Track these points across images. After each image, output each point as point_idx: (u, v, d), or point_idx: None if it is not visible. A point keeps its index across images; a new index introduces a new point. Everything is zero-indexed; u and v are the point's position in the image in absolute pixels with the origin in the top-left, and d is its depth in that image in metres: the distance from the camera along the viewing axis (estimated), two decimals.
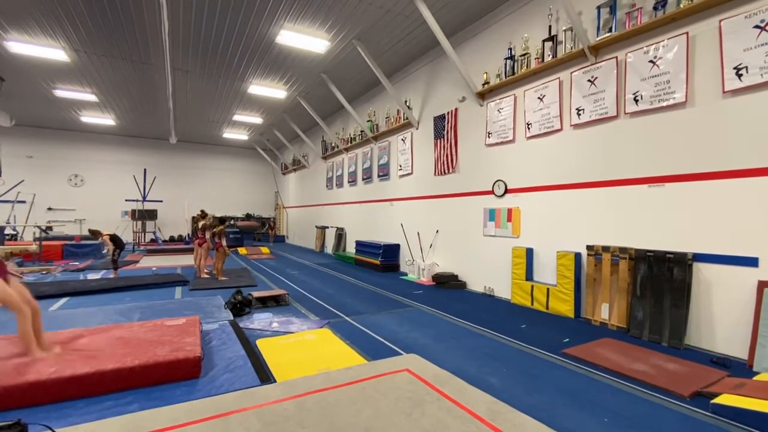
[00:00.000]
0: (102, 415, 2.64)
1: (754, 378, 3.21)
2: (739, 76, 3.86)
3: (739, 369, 3.56)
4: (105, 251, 8.98)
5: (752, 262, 3.77)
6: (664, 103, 4.48)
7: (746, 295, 3.79)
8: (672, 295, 4.26)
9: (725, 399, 2.79)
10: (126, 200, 16.95)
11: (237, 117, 14.32)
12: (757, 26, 3.74)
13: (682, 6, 4.24)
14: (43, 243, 11.31)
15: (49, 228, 14.98)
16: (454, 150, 7.88)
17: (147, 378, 3.11)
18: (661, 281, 4.37)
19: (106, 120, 14.82)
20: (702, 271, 4.14)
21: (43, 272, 9.05)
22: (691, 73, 4.27)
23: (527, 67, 6.15)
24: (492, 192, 6.95)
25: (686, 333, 4.17)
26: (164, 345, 3.53)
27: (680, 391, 3.05)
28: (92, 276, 8.50)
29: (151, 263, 10.63)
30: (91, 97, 11.93)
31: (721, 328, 4.00)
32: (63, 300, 6.16)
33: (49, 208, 16.41)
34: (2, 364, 3.03)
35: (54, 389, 2.84)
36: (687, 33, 4.29)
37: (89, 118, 14.46)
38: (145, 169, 17.27)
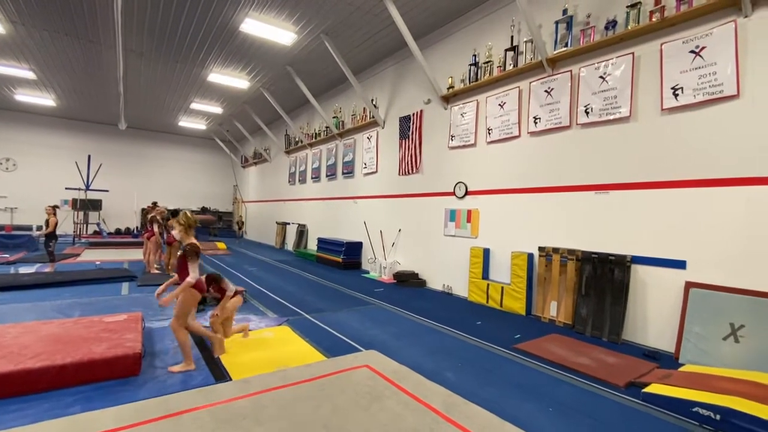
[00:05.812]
0: (39, 417, 2.45)
1: (679, 369, 3.57)
2: (676, 95, 4.26)
3: (667, 361, 3.93)
4: (41, 232, 8.26)
5: (681, 264, 4.18)
6: (611, 117, 4.84)
7: (675, 295, 4.19)
8: (612, 294, 4.62)
9: (654, 388, 3.08)
10: (66, 188, 15.51)
11: (195, 105, 13.64)
12: (692, 51, 4.13)
13: (630, 27, 4.60)
14: None
15: None
16: (418, 151, 8.02)
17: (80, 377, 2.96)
18: (603, 281, 4.72)
19: (46, 100, 13.56)
20: (639, 272, 4.53)
21: None
22: (636, 90, 4.64)
23: (490, 74, 6.39)
24: (453, 193, 7.15)
25: (623, 329, 4.53)
26: (102, 342, 3.34)
27: (616, 381, 3.33)
28: (25, 270, 7.79)
29: (95, 257, 9.90)
30: (29, 74, 10.86)
31: (653, 325, 4.40)
32: None
33: None
34: None
35: None
36: (633, 53, 4.65)
37: (25, 96, 13.15)
38: (89, 156, 15.89)
